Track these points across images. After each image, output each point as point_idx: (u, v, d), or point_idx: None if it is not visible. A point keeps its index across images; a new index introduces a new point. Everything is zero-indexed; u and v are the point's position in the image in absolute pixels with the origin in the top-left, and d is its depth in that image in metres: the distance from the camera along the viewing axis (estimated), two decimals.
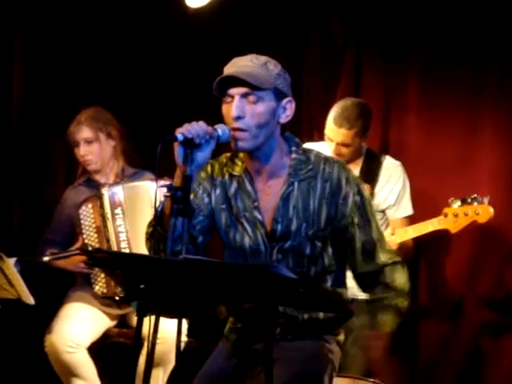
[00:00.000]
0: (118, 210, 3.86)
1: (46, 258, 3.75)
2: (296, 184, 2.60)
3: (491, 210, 3.55)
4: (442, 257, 4.09)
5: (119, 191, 3.87)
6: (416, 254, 4.00)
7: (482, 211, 3.56)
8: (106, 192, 3.85)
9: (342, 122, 3.69)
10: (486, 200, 3.53)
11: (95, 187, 3.97)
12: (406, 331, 4.09)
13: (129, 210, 3.85)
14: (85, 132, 3.96)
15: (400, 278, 2.69)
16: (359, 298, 3.72)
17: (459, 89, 4.05)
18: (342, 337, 2.72)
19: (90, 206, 3.89)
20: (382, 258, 2.67)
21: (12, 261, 3.34)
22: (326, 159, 2.65)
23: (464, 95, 4.05)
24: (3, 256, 3.17)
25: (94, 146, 3.97)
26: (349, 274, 2.77)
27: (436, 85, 4.11)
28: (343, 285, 2.72)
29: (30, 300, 3.26)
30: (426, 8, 4.12)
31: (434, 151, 4.10)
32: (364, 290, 2.78)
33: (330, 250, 2.64)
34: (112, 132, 4.01)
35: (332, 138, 3.72)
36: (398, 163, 3.91)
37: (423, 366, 4.13)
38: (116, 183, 3.94)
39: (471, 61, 4.03)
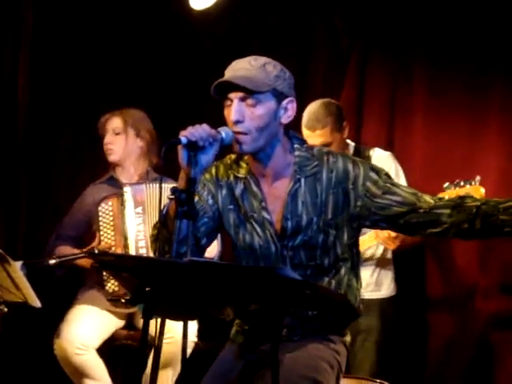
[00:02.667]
0: (139, 209, 3.84)
1: (52, 262, 3.74)
2: (303, 180, 2.59)
3: (482, 190, 3.49)
4: (450, 249, 4.07)
5: (142, 190, 3.85)
6: (423, 246, 4.00)
7: (473, 192, 3.52)
8: (128, 189, 3.84)
9: (315, 125, 3.69)
10: (475, 181, 3.48)
11: (117, 186, 3.96)
12: (415, 324, 4.10)
13: (150, 211, 3.83)
14: (114, 122, 3.99)
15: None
16: (366, 297, 3.73)
17: (465, 89, 4.04)
18: (348, 338, 2.70)
19: (109, 203, 3.88)
20: (431, 199, 2.55)
21: (18, 264, 3.34)
22: (329, 151, 2.64)
23: (470, 95, 4.04)
24: (10, 259, 3.17)
25: (119, 138, 3.98)
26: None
27: (441, 85, 4.10)
28: (357, 275, 2.67)
29: (37, 303, 3.26)
30: (431, 8, 4.11)
31: (440, 152, 4.08)
32: (470, 232, 2.52)
33: (345, 236, 2.61)
34: (142, 132, 4.00)
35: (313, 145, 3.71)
36: (387, 153, 3.88)
37: (432, 360, 4.11)
38: (139, 182, 3.93)
39: (477, 60, 4.02)
